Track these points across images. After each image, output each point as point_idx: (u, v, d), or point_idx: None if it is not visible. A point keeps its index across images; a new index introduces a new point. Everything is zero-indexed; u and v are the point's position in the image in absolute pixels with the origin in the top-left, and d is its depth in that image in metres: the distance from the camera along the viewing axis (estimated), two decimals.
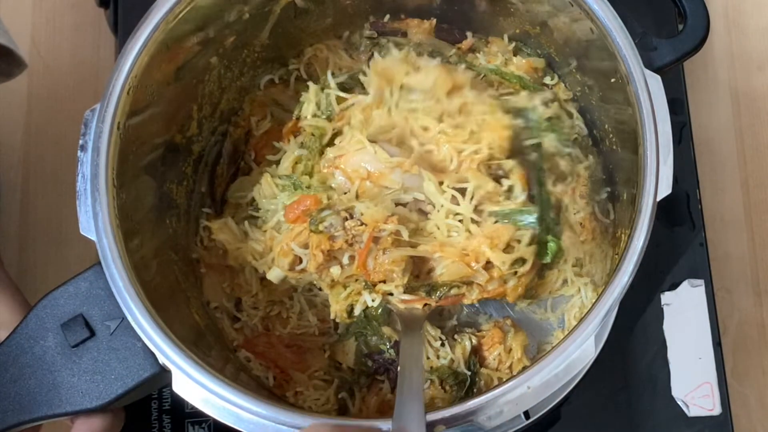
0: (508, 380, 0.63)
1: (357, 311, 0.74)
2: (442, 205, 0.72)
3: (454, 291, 0.74)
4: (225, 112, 0.83)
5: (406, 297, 0.73)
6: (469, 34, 0.83)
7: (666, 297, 0.81)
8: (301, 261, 0.73)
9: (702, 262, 0.82)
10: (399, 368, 0.65)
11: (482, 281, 0.72)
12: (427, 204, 0.73)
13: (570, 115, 0.82)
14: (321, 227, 0.70)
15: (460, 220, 0.72)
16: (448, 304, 0.76)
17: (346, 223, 0.70)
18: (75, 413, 0.65)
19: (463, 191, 0.72)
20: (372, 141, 0.74)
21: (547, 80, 0.83)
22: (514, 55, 0.83)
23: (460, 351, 0.76)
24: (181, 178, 0.79)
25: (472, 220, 0.72)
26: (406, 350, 0.68)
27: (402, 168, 0.73)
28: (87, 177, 0.66)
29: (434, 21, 0.83)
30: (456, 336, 0.77)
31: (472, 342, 0.77)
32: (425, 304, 0.74)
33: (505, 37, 0.82)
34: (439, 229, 0.72)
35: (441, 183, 0.73)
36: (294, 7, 0.79)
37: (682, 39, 0.71)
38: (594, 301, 0.64)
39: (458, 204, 0.72)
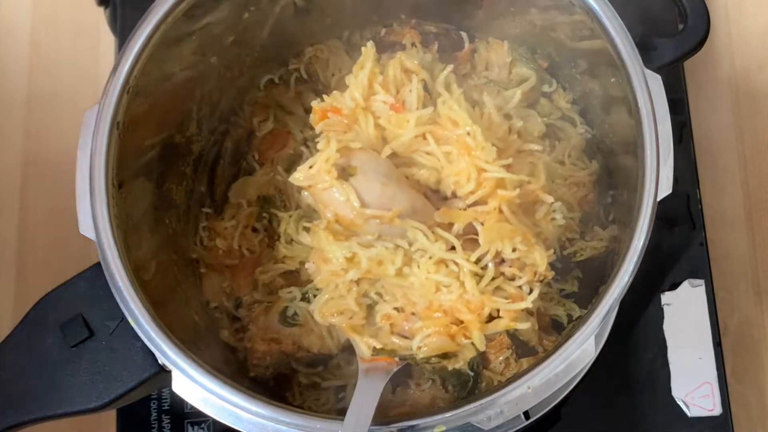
0: (508, 380, 0.63)
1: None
2: (431, 256, 0.65)
3: (434, 360, 0.68)
4: (225, 111, 0.83)
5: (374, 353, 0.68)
6: (467, 39, 0.83)
7: (666, 297, 0.81)
8: None
9: (702, 262, 0.82)
10: (345, 420, 0.59)
11: (468, 357, 0.68)
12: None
13: (573, 123, 0.81)
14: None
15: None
16: None
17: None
18: (75, 413, 0.65)
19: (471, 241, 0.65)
20: (349, 172, 0.65)
21: (545, 88, 0.82)
22: (512, 64, 0.82)
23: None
24: (180, 177, 0.79)
25: (475, 274, 0.65)
26: (357, 402, 0.61)
27: (381, 221, 0.64)
28: (87, 177, 0.66)
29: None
30: None
31: None
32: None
33: (505, 43, 0.82)
34: (423, 285, 0.65)
35: (452, 224, 0.65)
36: (294, 7, 0.79)
37: (683, 38, 0.71)
38: (594, 302, 0.64)
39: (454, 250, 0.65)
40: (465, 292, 0.65)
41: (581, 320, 0.63)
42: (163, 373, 0.64)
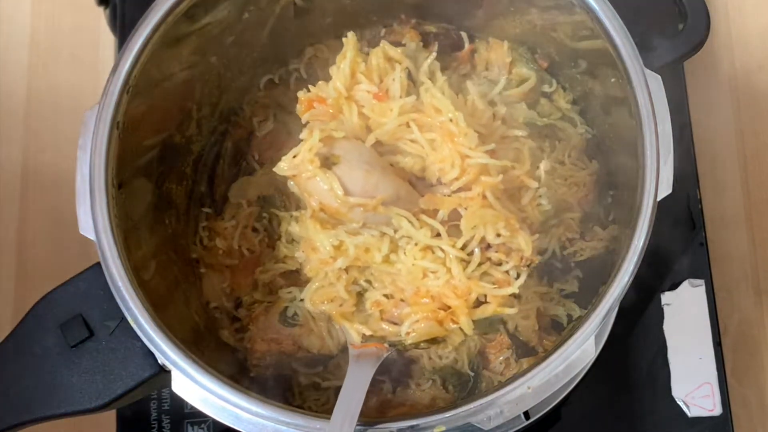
0: (508, 380, 0.62)
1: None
2: (416, 243, 0.66)
3: (422, 345, 0.69)
4: (224, 111, 0.83)
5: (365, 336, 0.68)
6: (467, 39, 0.83)
7: (666, 297, 0.81)
8: None
9: (702, 262, 0.82)
10: (336, 405, 0.61)
11: (456, 342, 0.70)
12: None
13: (573, 123, 0.81)
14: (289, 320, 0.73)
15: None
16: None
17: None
18: (75, 413, 0.65)
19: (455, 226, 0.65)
20: (332, 161, 0.65)
21: (545, 88, 0.82)
22: (512, 64, 0.82)
23: (465, 350, 0.76)
24: (180, 177, 0.79)
25: (461, 260, 0.65)
26: (347, 389, 0.62)
27: (365, 209, 0.65)
28: (86, 177, 0.66)
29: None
30: None
31: (476, 343, 0.76)
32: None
33: (505, 43, 0.81)
34: (410, 272, 0.66)
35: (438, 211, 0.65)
36: (294, 7, 0.79)
37: (683, 39, 0.71)
38: (594, 302, 0.64)
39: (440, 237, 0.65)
40: (452, 277, 0.66)
41: (581, 320, 0.63)
42: (163, 373, 0.64)
